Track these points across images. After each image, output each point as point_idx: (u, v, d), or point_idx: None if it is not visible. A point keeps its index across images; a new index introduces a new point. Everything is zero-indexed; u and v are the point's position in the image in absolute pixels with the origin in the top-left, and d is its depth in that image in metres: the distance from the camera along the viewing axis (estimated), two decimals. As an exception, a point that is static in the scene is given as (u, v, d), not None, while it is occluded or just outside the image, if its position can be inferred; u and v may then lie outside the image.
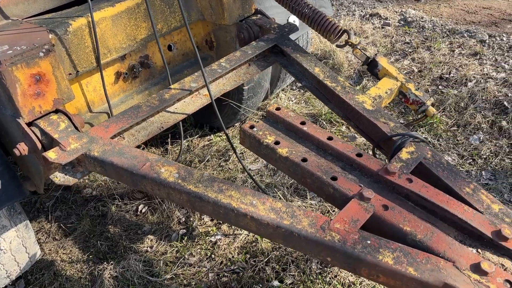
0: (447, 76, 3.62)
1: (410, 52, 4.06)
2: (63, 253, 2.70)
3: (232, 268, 2.46)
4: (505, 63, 3.62)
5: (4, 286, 2.42)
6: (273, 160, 1.78)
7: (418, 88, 2.08)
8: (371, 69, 2.18)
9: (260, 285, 2.31)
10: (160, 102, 1.92)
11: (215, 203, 1.50)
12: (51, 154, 1.62)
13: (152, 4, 2.27)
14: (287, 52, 2.28)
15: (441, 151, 2.97)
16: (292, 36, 2.73)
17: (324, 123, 3.40)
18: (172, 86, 2.00)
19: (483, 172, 2.74)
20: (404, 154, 1.71)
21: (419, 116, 2.12)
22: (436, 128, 3.12)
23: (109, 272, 2.48)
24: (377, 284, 2.25)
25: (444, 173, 1.66)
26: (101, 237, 2.76)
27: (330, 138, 1.79)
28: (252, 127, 1.84)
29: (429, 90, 3.53)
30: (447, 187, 1.62)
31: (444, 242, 1.41)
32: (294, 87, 4.00)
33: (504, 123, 3.05)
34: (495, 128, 3.04)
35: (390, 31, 4.50)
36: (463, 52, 3.90)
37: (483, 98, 3.26)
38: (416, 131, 3.11)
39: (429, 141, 1.87)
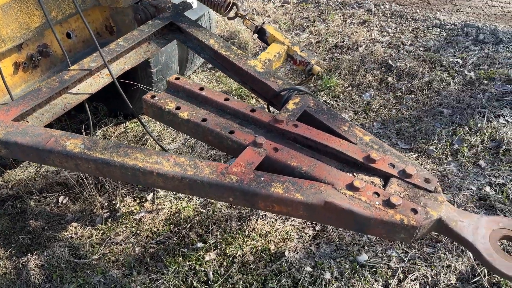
0: (341, 44, 3.97)
1: (308, 26, 4.38)
2: (-17, 254, 2.65)
3: (158, 239, 2.59)
4: (388, 28, 4.04)
5: None
6: (177, 125, 1.92)
7: (303, 50, 2.32)
8: (261, 36, 2.40)
9: (185, 249, 2.46)
10: (60, 83, 1.98)
11: (122, 166, 1.62)
12: None
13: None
14: (183, 28, 2.42)
15: (339, 110, 3.29)
16: (193, 17, 2.87)
17: (236, 98, 3.59)
18: (71, 68, 2.07)
19: (374, 123, 3.09)
20: (290, 105, 1.94)
21: (307, 75, 2.37)
22: (334, 91, 3.44)
23: (34, 262, 2.50)
24: (290, 231, 2.50)
25: (324, 116, 1.91)
26: (22, 232, 2.74)
27: (226, 99, 1.97)
28: (153, 96, 1.97)
29: (326, 58, 3.86)
30: (328, 128, 1.87)
31: (325, 171, 1.66)
32: (205, 68, 4.14)
33: (390, 79, 3.44)
34: (383, 85, 3.42)
35: (289, 8, 4.79)
36: (353, 21, 4.28)
37: (372, 60, 3.64)
38: (315, 93, 3.41)
39: (312, 93, 2.10)
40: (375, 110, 3.21)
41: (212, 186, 1.60)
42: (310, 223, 2.52)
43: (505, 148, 2.62)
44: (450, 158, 2.67)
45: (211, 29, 3.75)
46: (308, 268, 2.27)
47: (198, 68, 4.11)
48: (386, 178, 1.67)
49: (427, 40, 3.73)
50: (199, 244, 2.48)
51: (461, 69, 3.29)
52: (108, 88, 2.25)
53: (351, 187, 1.59)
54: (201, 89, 2.02)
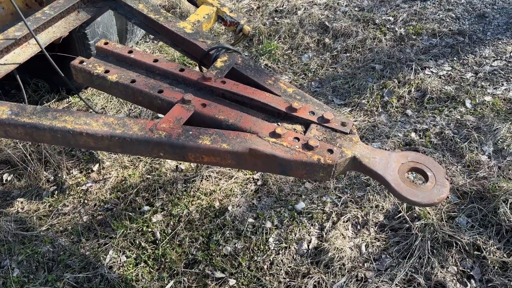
0: (281, 8, 4.04)
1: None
2: None
3: (105, 207, 2.64)
4: (325, -10, 4.15)
5: None
6: (107, 88, 1.96)
7: (232, 11, 2.38)
8: (191, -1, 2.43)
9: (133, 213, 2.53)
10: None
11: (51, 129, 1.66)
12: None
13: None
14: (113, -6, 2.42)
15: (280, 72, 3.39)
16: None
17: (166, 59, 3.61)
18: (-5, 38, 2.05)
19: (312, 82, 3.22)
20: (218, 63, 2.01)
21: (238, 36, 2.44)
22: (274, 54, 3.53)
23: (-20, 239, 2.50)
24: (233, 188, 2.61)
25: (251, 72, 2.00)
26: (-34, 212, 2.73)
27: (155, 60, 2.02)
28: (82, 62, 1.99)
29: (267, 23, 3.92)
30: (254, 82, 1.96)
31: (250, 122, 1.75)
32: (148, 40, 4.12)
33: (327, 40, 3.56)
34: (321, 46, 3.54)
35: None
36: (292, -15, 4.34)
37: (310, 22, 3.74)
38: (256, 57, 3.48)
39: (254, 57, 2.18)
40: (313, 70, 3.33)
41: (141, 143, 1.66)
42: (252, 180, 2.64)
43: (429, 97, 2.81)
44: (380, 110, 2.84)
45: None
46: (251, 220, 2.40)
47: (140, 39, 4.08)
48: (307, 124, 1.79)
49: (362, 0, 3.86)
50: (146, 208, 2.55)
51: (392, 26, 3.45)
52: (48, 64, 2.25)
53: (273, 134, 1.70)
54: (130, 52, 2.05)
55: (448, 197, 2.25)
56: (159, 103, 1.86)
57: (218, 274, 2.18)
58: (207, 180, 2.66)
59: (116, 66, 2.02)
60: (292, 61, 3.47)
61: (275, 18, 3.96)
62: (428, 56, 3.13)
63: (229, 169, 2.69)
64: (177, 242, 2.36)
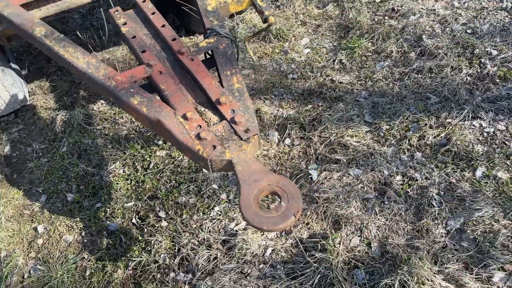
0: (399, 8, 3.79)
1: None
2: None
3: (139, 129, 3.27)
4: (457, 1, 3.66)
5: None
6: (120, 37, 2.46)
7: (263, 0, 2.54)
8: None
9: (146, 142, 3.09)
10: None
11: (57, 54, 2.26)
12: (-23, 10, 2.49)
13: None
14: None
15: (345, 71, 3.34)
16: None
17: (272, 37, 3.87)
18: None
19: (363, 91, 3.11)
20: (203, 43, 2.28)
21: (264, 24, 2.59)
22: (354, 52, 3.46)
23: None
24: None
25: (221, 59, 2.21)
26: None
27: (163, 26, 2.41)
28: (116, 11, 2.51)
29: (375, 19, 3.77)
30: (217, 68, 2.18)
31: (178, 99, 2.03)
32: (270, 5, 4.40)
33: (412, 54, 3.28)
34: (402, 59, 3.29)
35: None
36: (431, -13, 3.95)
37: (411, 31, 3.45)
38: (339, 49, 3.46)
39: (231, 36, 2.27)
40: (375, 80, 3.18)
41: (99, 86, 2.13)
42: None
43: (448, 149, 2.47)
44: (392, 142, 2.64)
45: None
46: (215, 186, 2.70)
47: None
48: (222, 119, 1.97)
49: (483, 23, 3.33)
50: (159, 142, 3.08)
51: (486, 61, 2.96)
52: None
53: (184, 116, 1.95)
54: (153, 13, 2.48)
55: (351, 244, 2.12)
56: (140, 60, 2.28)
57: (161, 214, 2.61)
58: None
59: (137, 22, 2.48)
60: (366, 64, 3.35)
61: (385, 17, 3.76)
62: (491, 106, 2.65)
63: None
64: (157, 177, 2.84)
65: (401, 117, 2.77)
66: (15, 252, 2.55)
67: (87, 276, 2.38)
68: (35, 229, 2.69)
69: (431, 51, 3.20)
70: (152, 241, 2.44)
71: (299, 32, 3.90)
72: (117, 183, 2.86)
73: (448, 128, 2.60)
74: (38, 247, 2.58)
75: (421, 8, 3.68)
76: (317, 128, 2.88)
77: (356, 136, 2.73)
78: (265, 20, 2.55)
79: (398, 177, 2.42)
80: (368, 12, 3.90)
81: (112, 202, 2.74)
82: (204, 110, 2.04)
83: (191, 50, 2.24)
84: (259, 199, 1.72)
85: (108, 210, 2.71)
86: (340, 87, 3.20)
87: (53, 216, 2.73)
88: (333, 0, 4.17)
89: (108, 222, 2.65)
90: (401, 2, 3.83)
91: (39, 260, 2.50)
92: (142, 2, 2.55)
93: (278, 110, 3.14)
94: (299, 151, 2.79)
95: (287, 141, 2.88)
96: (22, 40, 3.34)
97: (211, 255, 2.32)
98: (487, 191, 2.22)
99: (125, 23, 2.44)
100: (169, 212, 2.59)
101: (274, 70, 3.55)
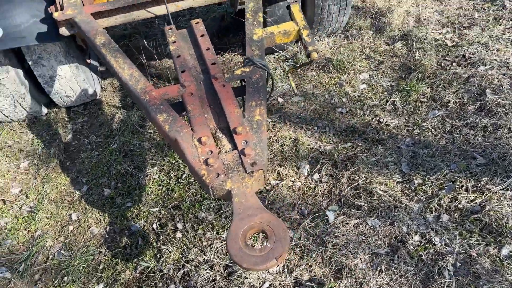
0: (470, 55, 3.56)
1: (459, 27, 3.98)
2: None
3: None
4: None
5: (66, 104, 3.90)
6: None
7: (309, 35, 2.55)
8: (289, 12, 2.71)
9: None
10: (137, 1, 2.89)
11: (108, 62, 2.47)
12: (55, 14, 2.80)
13: None
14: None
15: (396, 115, 3.22)
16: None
17: (331, 68, 3.84)
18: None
19: (408, 138, 2.97)
20: (238, 71, 2.35)
21: (308, 59, 2.60)
22: (409, 95, 3.32)
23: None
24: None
25: (251, 89, 2.25)
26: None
27: (207, 49, 2.52)
28: (171, 28, 2.68)
29: (442, 64, 3.58)
30: (244, 98, 2.23)
31: (200, 122, 2.12)
32: (341, 35, 4.37)
33: (470, 107, 3.07)
34: (459, 111, 3.09)
35: (463, 3, 4.33)
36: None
37: (476, 82, 3.23)
38: (397, 89, 3.35)
39: (268, 69, 2.27)
40: (424, 128, 3.02)
41: (135, 97, 2.30)
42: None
43: (478, 217, 2.26)
44: (422, 199, 2.49)
45: None
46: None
47: (333, 33, 4.36)
48: (234, 148, 2.01)
49: (560, 85, 3.01)
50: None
51: (551, 128, 2.68)
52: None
53: (200, 140, 2.03)
54: (202, 35, 2.61)
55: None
56: (178, 79, 2.40)
57: (179, 225, 2.72)
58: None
59: (187, 42, 2.63)
60: (418, 110, 3.20)
61: (453, 63, 3.55)
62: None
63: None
64: (185, 188, 2.96)
65: (438, 173, 2.61)
66: (47, 233, 2.81)
67: (99, 269, 2.55)
68: (70, 215, 2.93)
69: (491, 107, 2.97)
70: (163, 250, 2.55)
71: (360, 66, 3.83)
72: (150, 187, 3.02)
73: (486, 195, 2.40)
74: (68, 233, 2.82)
75: (494, 59, 3.43)
76: (349, 169, 2.81)
77: (385, 184, 2.63)
78: (308, 55, 2.56)
79: (416, 237, 2.28)
80: (436, 55, 3.72)
81: (141, 204, 2.91)
82: (221, 137, 2.10)
83: (225, 76, 2.32)
84: (247, 235, 1.74)
85: (135, 211, 2.88)
86: (385, 129, 3.09)
87: (87, 207, 2.97)
88: (403, 38, 4.03)
89: (132, 222, 2.81)
90: (474, 49, 3.60)
91: (64, 246, 2.73)
92: (196, 23, 2.70)
93: (316, 143, 3.11)
94: (325, 189, 2.74)
95: (316, 176, 2.85)
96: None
97: (211, 275, 2.36)
98: (508, 273, 2.01)
99: (174, 42, 2.59)
100: (186, 225, 2.69)
101: (324, 101, 3.53)
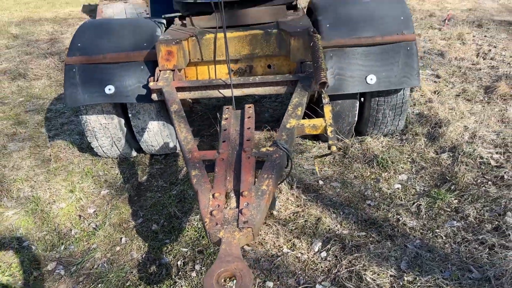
0: (510, 178, 3.67)
1: None
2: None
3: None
4: None
5: (150, 151, 4.79)
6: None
7: (332, 131, 3.05)
8: (321, 108, 3.26)
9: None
10: (213, 82, 3.70)
11: (173, 124, 3.23)
12: (151, 83, 3.70)
13: (254, 37, 3.97)
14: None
15: (416, 217, 3.45)
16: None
17: (375, 164, 4.21)
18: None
19: (417, 240, 3.18)
20: (264, 148, 2.91)
21: (328, 150, 3.07)
22: (435, 203, 3.54)
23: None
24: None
25: (268, 164, 2.78)
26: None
27: (248, 128, 3.15)
28: (228, 108, 3.38)
29: (478, 180, 3.74)
30: (260, 170, 2.76)
31: (220, 181, 2.69)
32: (396, 136, 4.74)
33: (487, 225, 3.18)
34: (476, 225, 3.22)
35: None
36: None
37: (503, 203, 3.34)
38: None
39: (289, 152, 2.69)
40: (436, 234, 3.21)
41: (184, 155, 2.98)
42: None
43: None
44: (406, 294, 2.68)
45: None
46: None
47: (389, 134, 4.75)
48: (237, 206, 2.52)
49: None
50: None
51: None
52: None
53: (214, 194, 2.59)
54: (249, 117, 3.26)
55: None
56: (218, 146, 3.04)
57: (197, 267, 3.23)
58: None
59: (237, 120, 3.29)
60: (439, 217, 3.40)
61: (489, 182, 3.69)
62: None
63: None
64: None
65: (430, 276, 2.78)
66: (99, 248, 3.52)
67: (125, 285, 3.14)
68: (121, 238, 3.63)
69: (506, 229, 3.07)
70: (177, 283, 3.07)
71: (402, 168, 4.14)
72: (188, 231, 3.61)
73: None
74: (114, 251, 3.50)
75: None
76: (353, 254, 3.11)
77: (378, 274, 2.87)
78: (328, 147, 3.04)
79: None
80: (477, 171, 3.89)
81: (175, 243, 3.50)
82: (232, 196, 2.64)
83: (252, 150, 2.90)
84: (222, 275, 2.19)
85: (169, 247, 3.47)
86: (401, 228, 3.34)
87: (136, 235, 3.64)
88: (451, 150, 4.26)
89: (163, 255, 3.40)
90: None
91: (108, 260, 3.40)
92: (248, 107, 3.38)
93: (336, 226, 3.46)
94: (326, 266, 3.06)
95: (323, 254, 3.18)
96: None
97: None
98: None
99: (227, 118, 3.29)
100: (202, 268, 3.18)
101: (359, 192, 3.88)
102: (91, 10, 14.27)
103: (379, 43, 3.95)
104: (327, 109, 3.23)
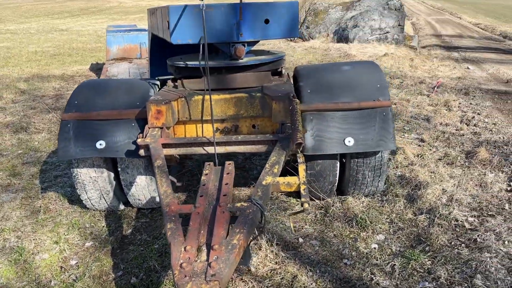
0: (482, 241, 3.76)
1: (488, 214, 4.21)
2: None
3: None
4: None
5: (137, 205, 4.91)
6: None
7: (305, 189, 3.21)
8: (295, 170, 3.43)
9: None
10: (198, 140, 3.91)
11: (155, 178, 3.40)
12: (139, 140, 3.92)
13: (239, 100, 4.25)
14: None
15: (389, 277, 3.51)
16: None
17: (354, 223, 4.31)
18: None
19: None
20: (238, 204, 3.06)
21: (301, 208, 3.21)
22: (409, 263, 3.61)
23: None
24: None
25: (241, 219, 2.90)
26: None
27: (226, 184, 3.31)
28: (209, 164, 3.56)
29: (452, 242, 3.83)
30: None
31: (193, 235, 2.81)
32: (377, 197, 4.87)
33: (458, 287, 3.24)
34: (446, 287, 3.28)
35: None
36: None
37: (474, 266, 3.41)
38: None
39: (263, 208, 2.85)
40: None
41: (162, 207, 3.12)
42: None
43: None
44: None
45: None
46: None
47: (370, 195, 4.88)
48: (207, 260, 2.62)
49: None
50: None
51: None
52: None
53: (185, 248, 2.70)
54: (228, 173, 3.43)
55: None
56: (195, 201, 3.18)
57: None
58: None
59: (217, 175, 3.47)
60: (411, 278, 3.45)
61: (462, 244, 3.78)
62: None
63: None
64: None
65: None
66: (76, 299, 3.56)
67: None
68: (99, 290, 3.67)
69: None
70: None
71: (380, 227, 4.24)
72: (165, 285, 3.66)
73: None
74: (91, 303, 3.53)
75: (500, 249, 3.60)
76: (325, 312, 3.14)
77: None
78: (301, 204, 3.18)
79: None
80: (452, 234, 3.99)
81: (152, 296, 3.53)
82: (203, 249, 2.75)
83: (227, 205, 3.04)
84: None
85: (146, 300, 3.50)
86: (374, 287, 3.39)
87: None
88: (428, 212, 4.38)
89: (139, 308, 3.43)
90: (487, 236, 3.80)
91: (84, 311, 3.42)
92: (228, 164, 3.56)
93: (311, 284, 3.51)
94: (297, 324, 3.08)
95: (296, 311, 3.21)
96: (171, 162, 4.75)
97: None
98: None
99: (207, 174, 3.46)
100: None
101: (336, 250, 3.96)
102: (98, 68, 14.92)
103: (356, 108, 4.20)
104: (301, 168, 3.41)
